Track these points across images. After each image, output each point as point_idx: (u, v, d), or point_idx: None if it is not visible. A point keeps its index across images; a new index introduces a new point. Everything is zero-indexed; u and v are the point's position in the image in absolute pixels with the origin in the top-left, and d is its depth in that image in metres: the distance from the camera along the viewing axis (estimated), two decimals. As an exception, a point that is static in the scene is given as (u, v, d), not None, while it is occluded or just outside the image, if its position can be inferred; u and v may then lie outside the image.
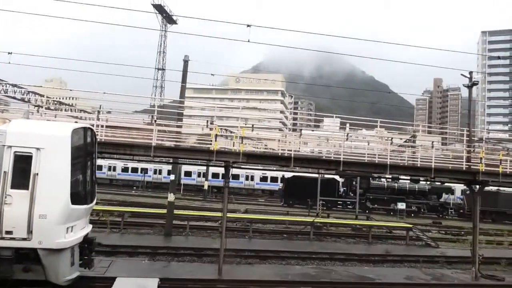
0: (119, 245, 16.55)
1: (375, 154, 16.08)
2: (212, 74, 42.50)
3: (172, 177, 21.12)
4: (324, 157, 15.29)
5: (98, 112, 14.32)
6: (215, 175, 54.41)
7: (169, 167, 56.44)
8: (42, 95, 33.26)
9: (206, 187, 46.50)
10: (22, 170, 9.19)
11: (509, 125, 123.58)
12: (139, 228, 21.54)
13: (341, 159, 14.25)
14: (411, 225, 23.57)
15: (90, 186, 11.01)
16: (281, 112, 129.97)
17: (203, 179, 51.97)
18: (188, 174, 56.07)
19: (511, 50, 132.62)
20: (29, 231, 9.12)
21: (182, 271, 13.66)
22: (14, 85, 30.63)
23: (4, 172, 9.13)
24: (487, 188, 35.95)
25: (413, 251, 20.33)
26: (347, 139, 16.33)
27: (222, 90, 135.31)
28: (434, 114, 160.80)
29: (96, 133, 11.96)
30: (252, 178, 56.34)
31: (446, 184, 36.26)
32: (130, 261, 14.82)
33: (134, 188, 53.96)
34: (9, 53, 23.48)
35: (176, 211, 21.11)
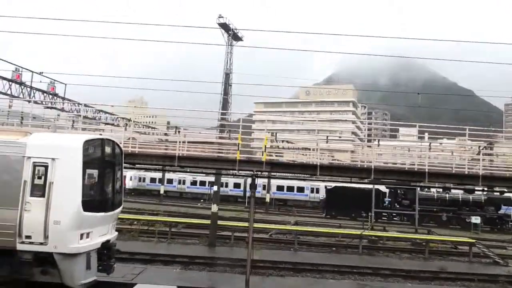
0: (157, 254, 17.07)
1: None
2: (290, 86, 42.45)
3: (215, 188, 21.44)
4: (357, 165, 14.39)
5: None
6: (280, 188, 54.67)
7: (237, 180, 58.23)
8: (110, 113, 36.23)
9: (268, 199, 46.55)
10: (39, 179, 9.94)
11: None
12: (186, 238, 22.09)
13: (372, 167, 13.41)
14: (474, 240, 21.35)
15: (111, 195, 11.54)
16: (353, 122, 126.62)
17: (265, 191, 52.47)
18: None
19: None
20: (45, 236, 9.77)
21: (208, 281, 13.70)
22: (85, 105, 33.53)
23: (25, 181, 9.94)
24: None
25: (473, 269, 18.35)
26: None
27: (292, 103, 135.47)
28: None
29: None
30: (318, 191, 55.31)
31: (506, 194, 32.48)
32: (162, 269, 15.22)
33: (201, 200, 55.75)
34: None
35: (220, 222, 21.31)
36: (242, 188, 56.81)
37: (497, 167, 15.93)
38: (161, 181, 56.78)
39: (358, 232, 22.20)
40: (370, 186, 33.11)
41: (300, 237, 24.39)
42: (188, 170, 20.33)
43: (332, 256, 19.94)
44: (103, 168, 11.23)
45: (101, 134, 13.12)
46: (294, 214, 41.64)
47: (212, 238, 20.56)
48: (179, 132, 13.60)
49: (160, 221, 22.94)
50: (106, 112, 35.15)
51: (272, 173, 18.73)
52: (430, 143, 15.36)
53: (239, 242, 21.97)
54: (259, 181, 55.06)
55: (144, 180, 60.95)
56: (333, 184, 38.85)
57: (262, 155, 13.79)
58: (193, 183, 61.15)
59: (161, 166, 15.54)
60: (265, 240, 23.23)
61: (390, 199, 39.33)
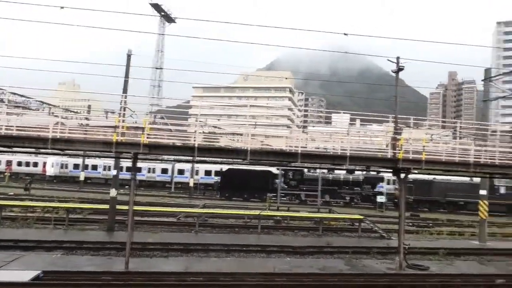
0: (43, 240, 16.63)
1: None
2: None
3: (114, 172, 21.19)
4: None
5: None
6: (207, 173, 54.83)
7: (164, 165, 57.57)
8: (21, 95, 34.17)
9: (191, 184, 46.57)
10: None
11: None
12: (86, 224, 21.70)
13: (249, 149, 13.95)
14: (362, 217, 23.01)
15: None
16: (289, 109, 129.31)
17: (196, 176, 52.39)
18: (181, 172, 56.32)
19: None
20: None
21: (85, 265, 13.63)
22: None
23: None
24: (422, 177, 36.56)
25: (356, 243, 19.81)
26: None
27: (230, 88, 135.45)
28: (448, 108, 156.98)
29: None
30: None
31: (380, 174, 36.41)
32: (42, 255, 14.82)
33: (126, 187, 54.64)
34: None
35: (119, 207, 21.13)
36: (169, 173, 56.40)
37: (376, 149, 17.29)
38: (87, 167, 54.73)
39: (257, 212, 23.04)
40: (262, 168, 35.38)
41: (208, 219, 25.02)
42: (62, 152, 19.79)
43: (230, 237, 20.53)
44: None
45: None
46: (212, 197, 42.87)
47: (111, 223, 20.38)
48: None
49: (55, 207, 22.25)
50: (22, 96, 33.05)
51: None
52: (303, 130, 16.12)
53: (143, 226, 22.01)
54: (187, 166, 54.88)
55: (66, 167, 58.45)
56: (227, 167, 40.73)
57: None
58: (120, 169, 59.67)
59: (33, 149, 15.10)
60: (172, 224, 23.48)
61: (280, 180, 41.12)
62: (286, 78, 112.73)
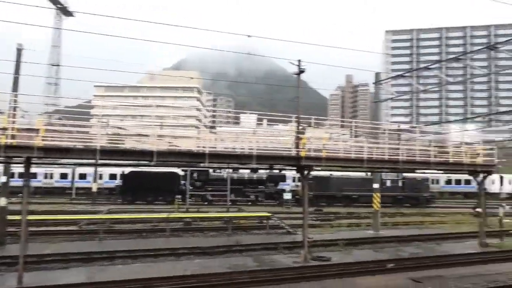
0: None
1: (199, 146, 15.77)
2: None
3: (3, 179, 19.15)
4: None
5: None
6: (112, 176, 52.13)
7: (63, 170, 53.41)
8: None
9: (94, 189, 43.98)
10: None
11: (409, 117, 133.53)
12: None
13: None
14: (270, 214, 23.84)
15: None
16: (198, 109, 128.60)
17: (100, 180, 49.50)
18: (82, 176, 52.79)
19: (411, 48, 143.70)
20: None
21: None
22: None
23: None
24: (320, 174, 39.82)
25: (265, 240, 20.43)
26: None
27: (136, 88, 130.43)
28: (346, 109, 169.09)
29: None
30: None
31: (282, 172, 38.69)
32: None
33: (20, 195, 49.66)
34: None
35: (11, 217, 19.14)
36: (70, 178, 52.62)
37: (282, 148, 17.96)
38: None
39: (165, 215, 22.60)
40: (167, 169, 35.04)
41: (114, 225, 23.87)
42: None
43: (138, 242, 19.80)
44: None
45: None
46: (118, 202, 41.04)
47: (1, 236, 18.39)
48: None
49: None
50: None
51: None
52: (211, 130, 16.23)
53: (40, 237, 20.26)
54: (90, 170, 51.55)
55: None
56: (129, 170, 39.72)
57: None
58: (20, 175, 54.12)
59: None
60: (73, 232, 21.98)
61: (187, 181, 41.11)
62: (192, 78, 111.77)
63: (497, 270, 14.72)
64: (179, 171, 39.86)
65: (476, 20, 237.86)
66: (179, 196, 33.77)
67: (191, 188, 39.51)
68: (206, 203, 39.16)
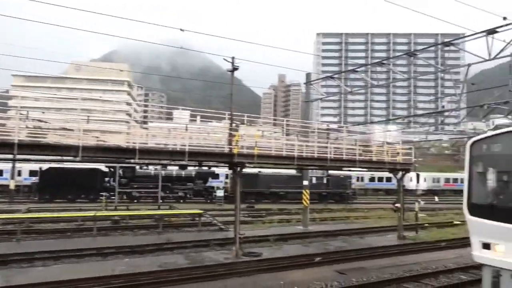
0: None
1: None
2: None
3: None
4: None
5: None
6: (32, 173, 48.47)
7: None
8: None
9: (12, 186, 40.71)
10: None
11: (337, 117, 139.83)
12: None
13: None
14: (202, 211, 23.76)
15: None
16: (128, 104, 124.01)
17: (19, 177, 45.96)
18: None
19: (340, 51, 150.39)
20: None
21: None
22: None
23: None
24: (249, 171, 40.90)
25: (197, 237, 20.28)
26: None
27: (60, 79, 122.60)
28: (278, 107, 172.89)
29: None
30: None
31: (212, 169, 39.09)
32: None
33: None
34: None
35: None
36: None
37: (215, 145, 17.90)
38: None
39: (92, 213, 21.60)
40: (89, 166, 33.62)
41: (34, 225, 22.36)
42: None
43: (61, 242, 18.67)
44: None
45: None
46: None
47: None
48: None
49: None
50: None
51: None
52: (141, 126, 15.81)
53: None
54: (7, 166, 47.45)
55: None
56: (47, 166, 37.61)
57: None
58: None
59: None
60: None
61: (110, 178, 39.65)
62: (122, 71, 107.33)
63: (413, 261, 15.95)
64: (102, 167, 37.90)
65: (398, 28, 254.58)
66: (104, 194, 32.14)
67: (115, 185, 37.79)
68: (135, 201, 37.87)
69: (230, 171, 43.78)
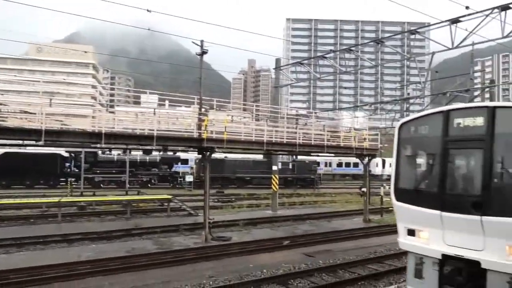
0: None
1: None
2: None
3: None
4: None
5: None
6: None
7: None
8: None
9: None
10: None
11: (306, 103, 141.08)
12: None
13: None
14: (171, 196, 23.62)
15: None
16: (94, 87, 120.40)
17: None
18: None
19: (310, 37, 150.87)
20: None
21: None
22: None
23: None
24: (215, 156, 40.77)
25: (166, 222, 20.18)
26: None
27: (21, 60, 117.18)
28: (248, 93, 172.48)
29: None
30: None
31: (177, 154, 38.72)
32: None
33: None
34: None
35: None
36: None
37: (184, 130, 17.73)
38: None
39: (56, 199, 21.05)
40: (48, 150, 32.65)
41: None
42: None
43: (24, 229, 18.13)
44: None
45: None
46: None
47: None
48: None
49: None
50: None
51: None
52: (107, 109, 15.42)
53: None
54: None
55: None
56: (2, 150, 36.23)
57: None
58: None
59: None
60: None
61: (70, 164, 39.11)
62: (86, 52, 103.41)
63: (377, 243, 16.51)
64: (62, 152, 36.71)
65: (367, 16, 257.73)
66: (67, 179, 31.12)
67: (77, 170, 36.76)
68: (101, 186, 37.02)
69: (195, 156, 43.90)
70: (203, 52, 18.96)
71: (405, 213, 7.83)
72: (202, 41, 18.96)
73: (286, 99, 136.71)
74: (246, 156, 42.30)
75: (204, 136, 15.52)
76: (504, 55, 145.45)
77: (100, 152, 37.26)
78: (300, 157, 44.56)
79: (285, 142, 18.73)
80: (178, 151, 29.32)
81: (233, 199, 31.59)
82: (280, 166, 45.33)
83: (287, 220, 22.51)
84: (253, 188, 42.37)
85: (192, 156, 44.43)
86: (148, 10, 16.41)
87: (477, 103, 7.54)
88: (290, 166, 47.12)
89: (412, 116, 8.32)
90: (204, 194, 16.66)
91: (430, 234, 7.29)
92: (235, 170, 44.06)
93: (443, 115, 7.34)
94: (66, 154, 37.78)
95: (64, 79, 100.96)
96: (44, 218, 20.91)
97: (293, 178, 46.65)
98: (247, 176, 44.50)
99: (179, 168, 43.76)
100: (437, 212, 7.05)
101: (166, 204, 23.68)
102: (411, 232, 7.70)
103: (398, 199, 8.03)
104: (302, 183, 46.80)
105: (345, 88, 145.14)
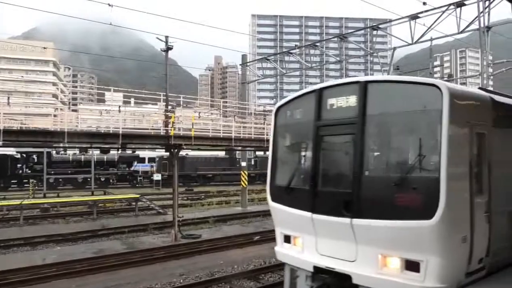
0: None
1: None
2: None
3: None
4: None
5: None
6: None
7: None
8: None
9: None
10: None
11: (274, 99, 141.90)
12: None
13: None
14: (138, 195, 23.25)
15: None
16: (54, 85, 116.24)
17: None
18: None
19: (275, 33, 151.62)
20: None
21: None
22: None
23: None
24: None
25: (133, 222, 19.84)
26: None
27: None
28: (216, 89, 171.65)
29: None
30: None
31: (136, 152, 38.14)
32: None
33: None
34: None
35: None
36: None
37: (151, 128, 17.47)
38: None
39: (18, 202, 20.26)
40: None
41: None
42: None
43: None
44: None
45: None
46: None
47: None
48: None
49: None
50: None
51: None
52: (69, 107, 15.02)
53: None
54: None
55: None
56: None
57: None
58: None
59: None
60: None
61: (23, 165, 37.78)
62: (46, 48, 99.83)
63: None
64: (13, 153, 35.20)
65: (331, 12, 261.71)
66: (32, 181, 29.92)
67: (29, 172, 35.36)
68: (59, 186, 35.66)
69: (156, 155, 43.05)
70: (168, 48, 18.69)
71: (281, 216, 6.53)
72: (167, 37, 18.69)
73: (253, 95, 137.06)
74: (208, 153, 41.78)
75: (171, 133, 15.35)
76: (461, 50, 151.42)
77: (54, 152, 35.83)
78: (262, 154, 44.38)
79: (253, 138, 18.81)
80: (145, 149, 28.73)
81: (202, 196, 31.43)
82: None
83: (257, 215, 22.58)
84: (222, 185, 42.16)
85: (152, 154, 43.28)
86: (109, 5, 15.97)
87: (350, 78, 6.09)
88: (253, 162, 46.95)
89: (289, 97, 6.84)
90: (172, 192, 16.49)
91: (303, 241, 6.00)
92: (196, 167, 43.48)
93: (315, 95, 6.04)
94: (18, 155, 36.22)
95: (23, 77, 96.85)
96: (5, 221, 20.10)
97: (256, 174, 46.34)
98: (209, 173, 44.06)
99: (138, 167, 42.71)
100: (309, 214, 5.75)
101: (133, 203, 23.26)
102: (287, 239, 6.43)
103: (273, 199, 6.75)
104: (264, 179, 46.31)
105: (311, 83, 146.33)
